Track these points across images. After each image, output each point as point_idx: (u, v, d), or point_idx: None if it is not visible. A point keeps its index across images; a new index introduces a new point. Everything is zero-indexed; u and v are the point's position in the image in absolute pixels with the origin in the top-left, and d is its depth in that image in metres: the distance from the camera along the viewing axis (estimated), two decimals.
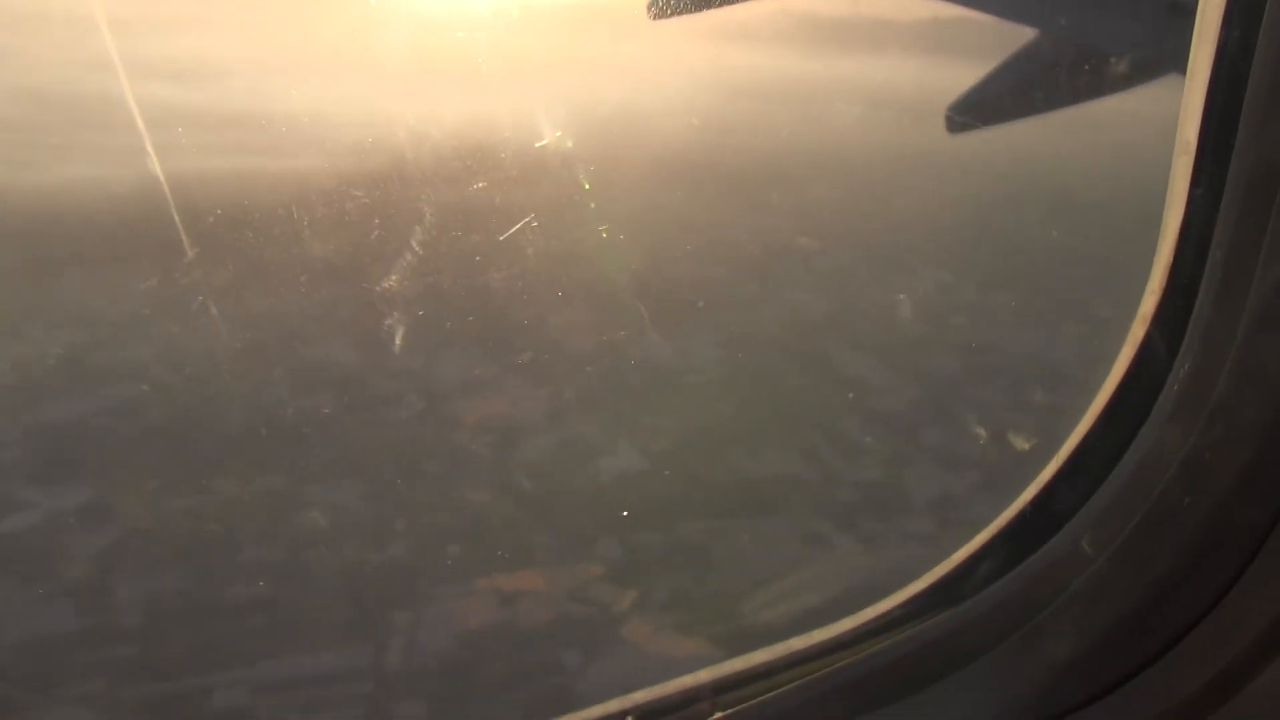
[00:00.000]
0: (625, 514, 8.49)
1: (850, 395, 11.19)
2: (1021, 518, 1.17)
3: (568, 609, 7.08)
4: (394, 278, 13.43)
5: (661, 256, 15.80)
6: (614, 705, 1.20)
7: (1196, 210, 0.97)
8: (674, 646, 6.69)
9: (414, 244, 15.72)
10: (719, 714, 1.14)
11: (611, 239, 16.69)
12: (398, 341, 11.56)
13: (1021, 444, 10.32)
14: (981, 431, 10.54)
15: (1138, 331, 1.05)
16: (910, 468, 9.75)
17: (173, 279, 12.51)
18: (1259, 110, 0.84)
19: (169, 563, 7.33)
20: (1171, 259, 1.00)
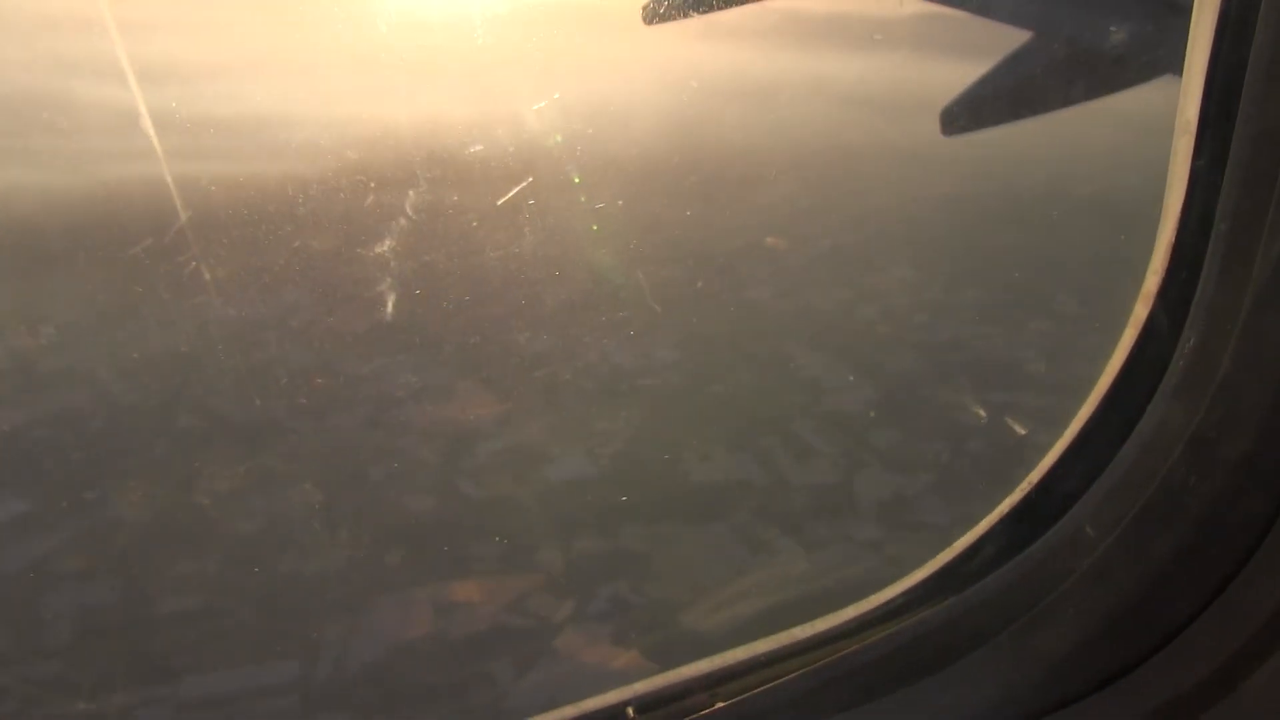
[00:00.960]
0: (569, 521, 8.43)
1: (806, 397, 11.14)
2: (1025, 502, 1.16)
3: (503, 620, 7.02)
4: (356, 281, 13.39)
5: (628, 257, 15.75)
6: (613, 696, 1.20)
7: (1198, 188, 0.96)
8: (608, 657, 6.64)
9: (380, 245, 15.62)
10: (720, 704, 1.13)
11: (577, 240, 16.64)
12: (354, 345, 11.49)
13: (975, 445, 10.30)
14: (935, 433, 10.50)
15: (1140, 311, 1.04)
16: (861, 471, 9.71)
17: (124, 283, 12.43)
18: (1260, 83, 0.83)
19: (99, 575, 7.23)
20: (1174, 238, 0.98)
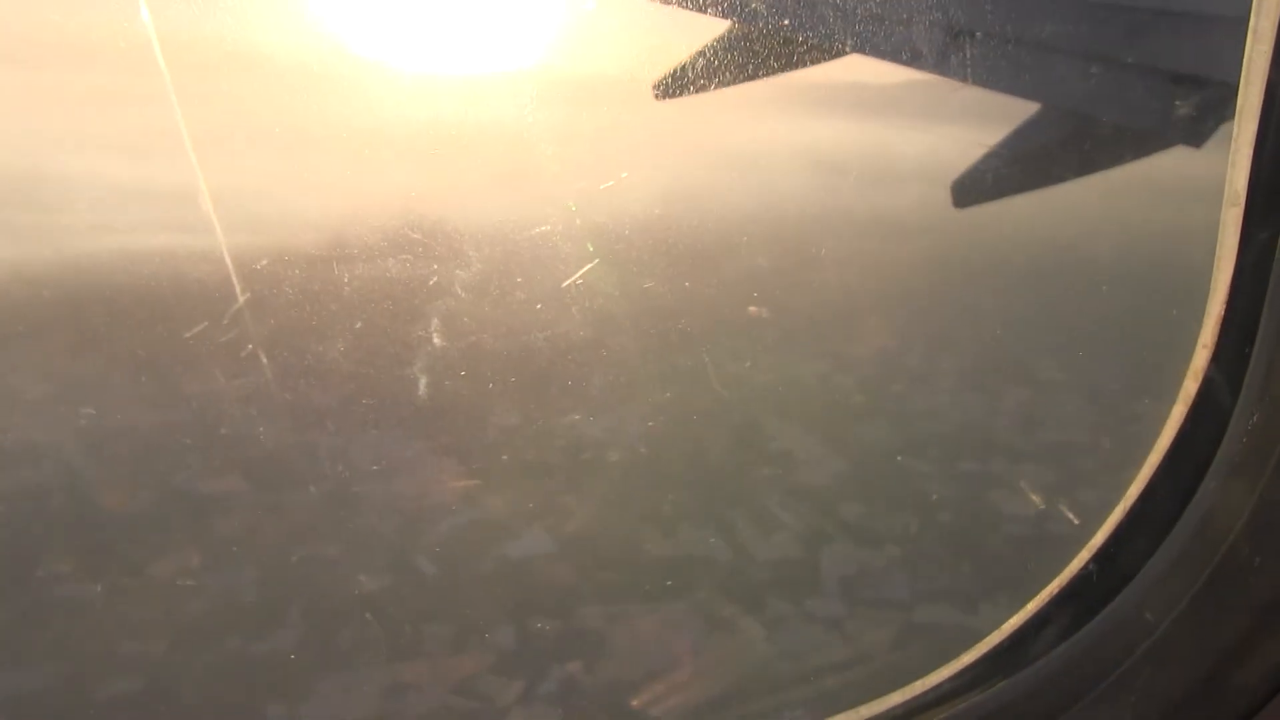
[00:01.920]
0: (525, 600, 8.31)
1: (775, 470, 11.07)
2: (1076, 582, 1.11)
3: (449, 702, 6.88)
4: (323, 358, 13.34)
5: (604, 329, 15.75)
6: None
7: (1249, 259, 0.94)
8: None
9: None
10: None
11: (553, 310, 16.63)
12: (316, 420, 11.44)
13: (945, 518, 10.20)
14: (903, 505, 10.40)
15: (1190, 386, 1.02)
16: (827, 545, 9.60)
17: (86, 358, 12.40)
18: None
19: (41, 655, 7.11)
20: (1224, 311, 0.96)
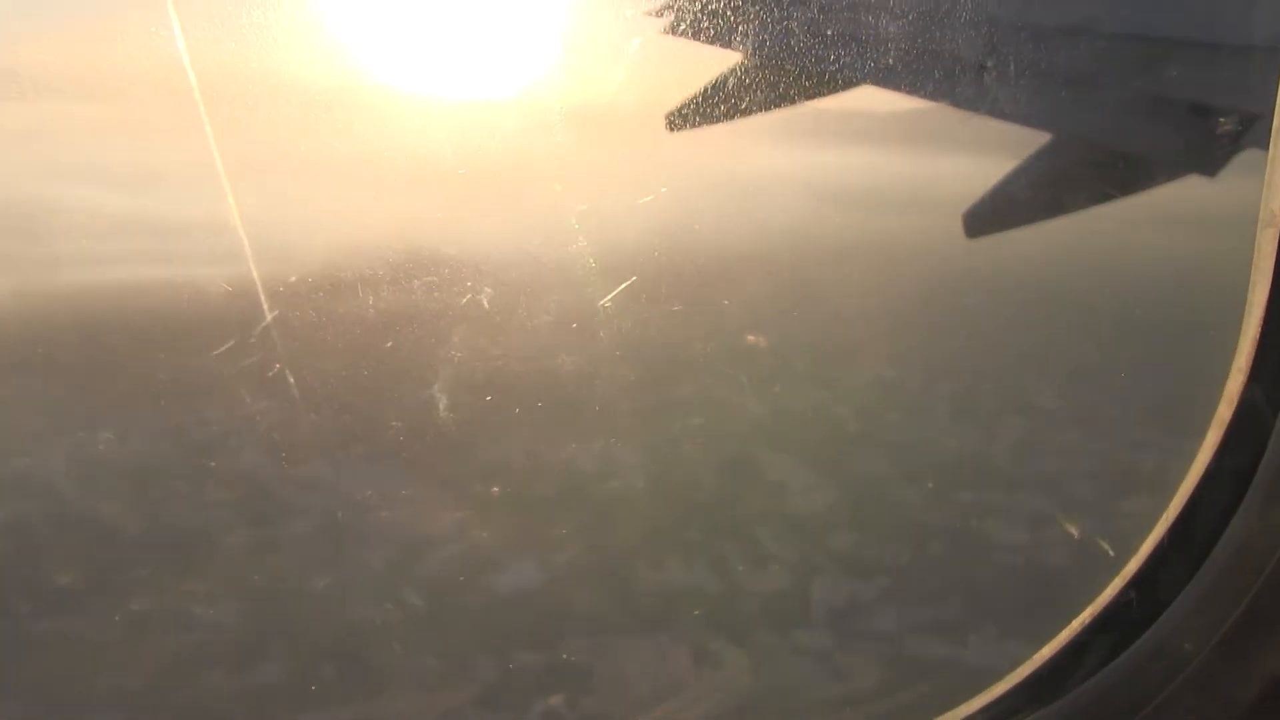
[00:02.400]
0: (511, 632, 8.26)
1: (769, 499, 11.01)
2: (1111, 609, 1.10)
3: None
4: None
5: (600, 359, 15.73)
6: None
7: None
8: None
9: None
10: None
11: (548, 341, 16.59)
12: (308, 450, 11.42)
13: (937, 548, 10.13)
14: (895, 536, 10.34)
15: (1224, 411, 1.03)
16: (818, 576, 9.53)
17: (85, 392, 12.43)
18: None
19: (15, 692, 7.09)
20: (1259, 333, 0.96)
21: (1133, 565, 1.09)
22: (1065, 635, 1.16)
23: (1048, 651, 1.16)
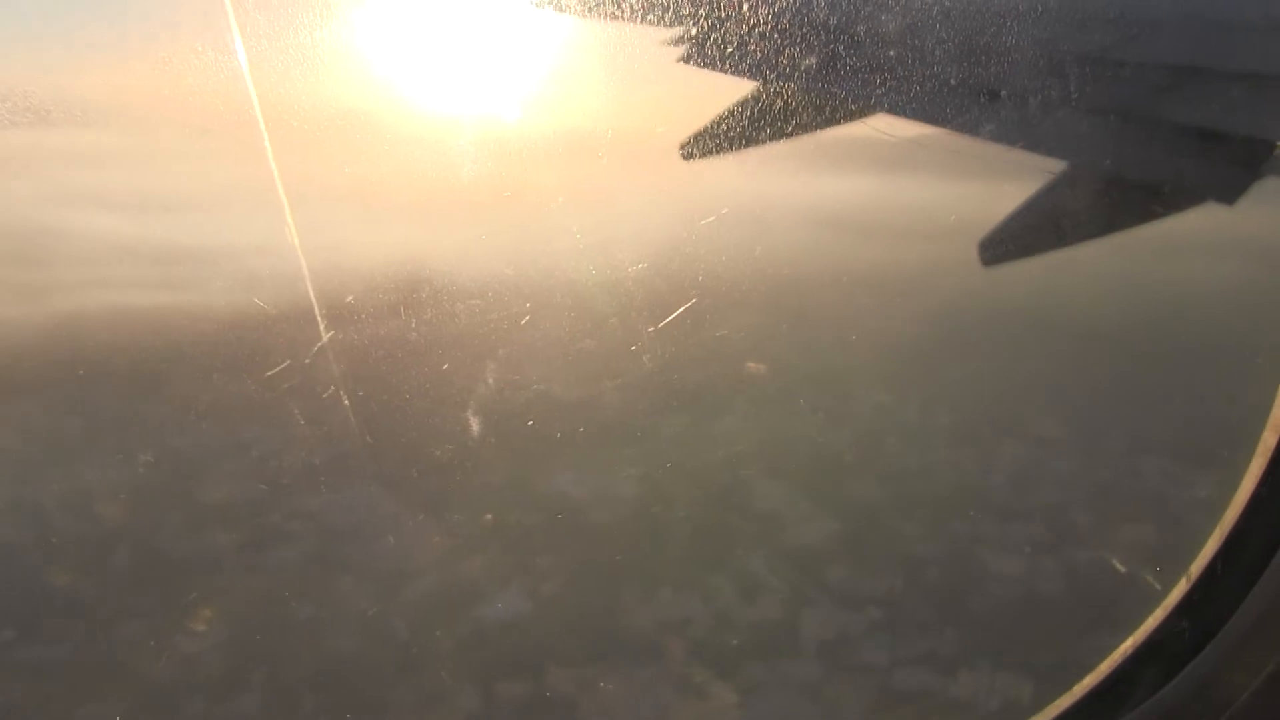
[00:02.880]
0: (497, 662, 8.20)
1: (761, 530, 10.94)
2: (1150, 643, 1.06)
3: None
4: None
5: (595, 386, 15.74)
6: None
7: None
8: None
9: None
10: None
11: (546, 365, 16.68)
12: (300, 479, 11.43)
13: (931, 577, 10.05)
14: (889, 567, 10.25)
15: (1269, 439, 0.98)
16: (808, 608, 9.45)
17: (83, 415, 12.56)
18: None
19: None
20: None
21: (1176, 595, 1.06)
22: (1105, 667, 1.11)
23: (1089, 683, 1.12)
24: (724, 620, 9.33)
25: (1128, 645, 1.06)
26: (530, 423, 12.59)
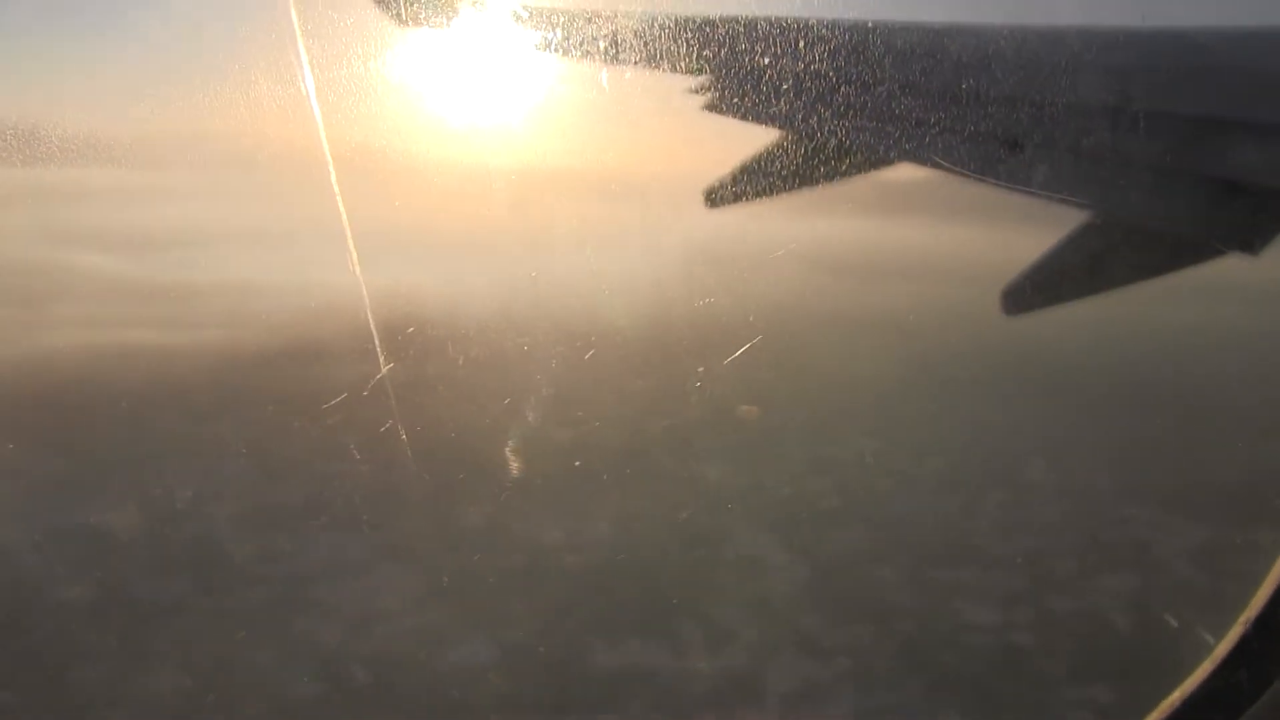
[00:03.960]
0: (456, 709, 8.12)
1: (736, 578, 10.84)
2: (1204, 693, 1.02)
3: None
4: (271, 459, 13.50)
5: (583, 428, 15.73)
6: None
7: None
8: None
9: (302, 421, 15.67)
10: None
11: (531, 407, 16.67)
12: (269, 522, 11.44)
13: (904, 626, 9.92)
14: (861, 616, 10.13)
15: None
16: (776, 657, 9.33)
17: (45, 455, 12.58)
18: None
19: None
20: None
21: (1223, 649, 1.02)
22: (1158, 716, 1.03)
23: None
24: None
25: (1176, 697, 1.03)
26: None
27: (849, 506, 13.88)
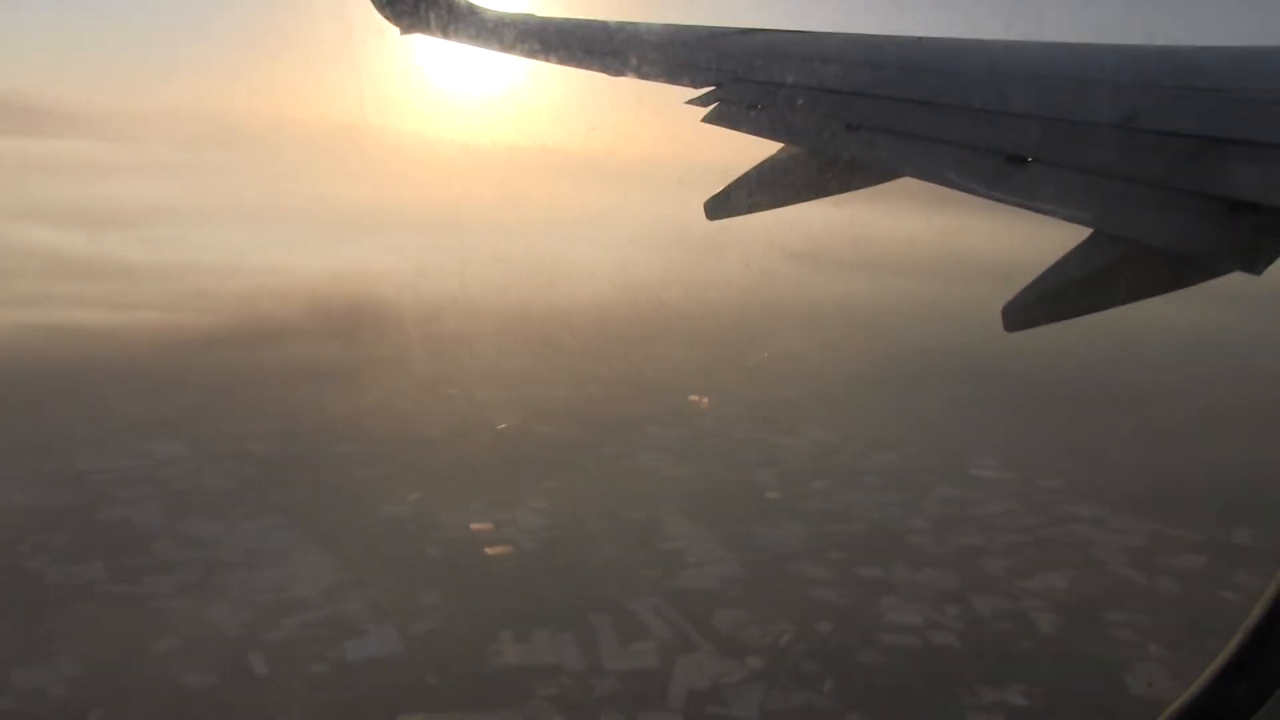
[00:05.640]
0: (350, 703, 8.00)
1: (660, 571, 10.73)
2: (1209, 697, 0.98)
3: None
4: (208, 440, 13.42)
5: (529, 412, 15.61)
6: None
7: None
8: None
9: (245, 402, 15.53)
10: None
11: (476, 388, 16.64)
12: (201, 506, 11.33)
13: (824, 628, 9.80)
14: (783, 614, 10.00)
15: None
16: (689, 654, 9.22)
17: None
18: None
19: None
20: None
21: (1221, 659, 0.96)
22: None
23: None
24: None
25: (1177, 706, 0.98)
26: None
27: None
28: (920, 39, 2.13)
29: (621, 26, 2.66)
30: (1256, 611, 0.94)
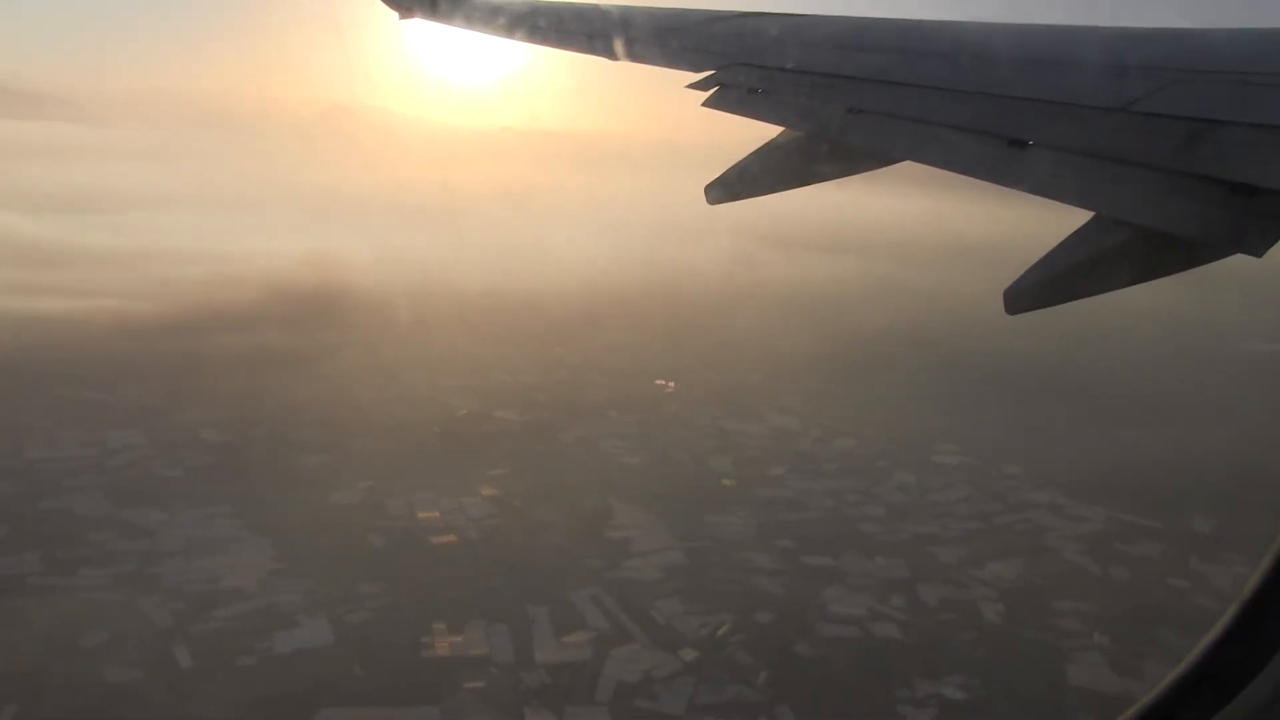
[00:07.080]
0: (273, 695, 7.96)
1: (604, 561, 10.68)
2: (1211, 660, 0.98)
3: None
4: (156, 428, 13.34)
5: (492, 398, 15.54)
6: None
7: None
8: None
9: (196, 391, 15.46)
10: None
11: (442, 374, 16.56)
12: (142, 494, 11.26)
13: (762, 618, 9.78)
14: (724, 604, 9.97)
15: None
16: (623, 646, 9.19)
17: None
18: None
19: None
20: None
21: (1217, 629, 0.97)
22: (1154, 696, 1.01)
23: (1135, 712, 1.02)
24: None
25: (1176, 674, 0.99)
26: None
27: None
28: (921, 22, 2.18)
29: (621, 10, 2.65)
30: (1252, 581, 0.94)
